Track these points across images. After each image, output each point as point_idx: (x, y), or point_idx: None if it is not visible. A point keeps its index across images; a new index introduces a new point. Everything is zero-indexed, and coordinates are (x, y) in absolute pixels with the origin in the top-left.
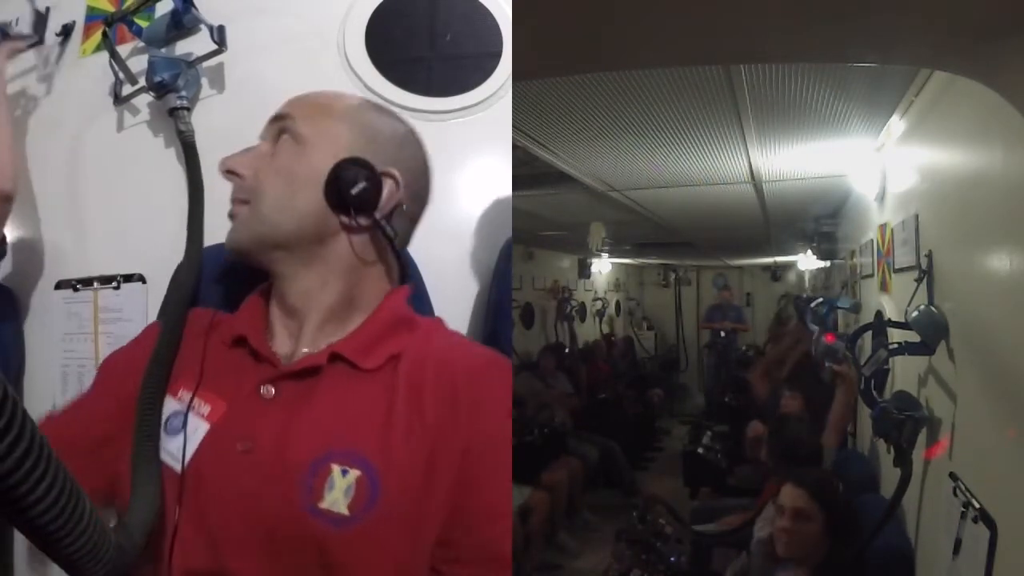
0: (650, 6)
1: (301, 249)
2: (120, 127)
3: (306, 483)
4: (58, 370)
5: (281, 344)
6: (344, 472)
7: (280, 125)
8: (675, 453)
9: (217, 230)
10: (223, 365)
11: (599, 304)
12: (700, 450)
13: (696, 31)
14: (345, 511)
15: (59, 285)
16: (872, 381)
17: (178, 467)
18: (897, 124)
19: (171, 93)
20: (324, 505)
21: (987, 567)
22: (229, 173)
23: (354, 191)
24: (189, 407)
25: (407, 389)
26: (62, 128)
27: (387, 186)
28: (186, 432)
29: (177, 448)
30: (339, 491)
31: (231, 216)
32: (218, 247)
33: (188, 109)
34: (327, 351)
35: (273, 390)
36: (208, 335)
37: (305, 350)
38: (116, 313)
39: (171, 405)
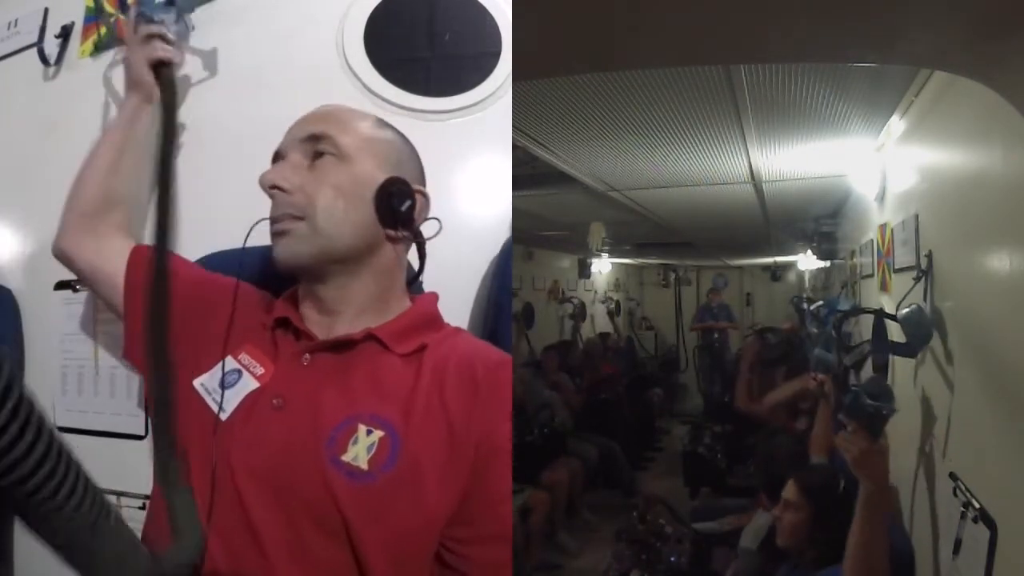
0: (650, 6)
1: (353, 260)
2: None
3: (331, 437)
4: (58, 370)
5: (316, 329)
6: (369, 431)
7: (318, 146)
8: (675, 453)
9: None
10: (270, 341)
11: (611, 303)
12: (700, 450)
13: (696, 31)
14: (365, 466)
15: (59, 285)
16: (852, 369)
17: (223, 416)
18: (897, 124)
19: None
20: (346, 457)
21: (987, 567)
22: (274, 188)
23: (403, 207)
24: (247, 367)
25: (431, 375)
26: (61, 128)
27: (419, 202)
28: (236, 387)
29: (227, 400)
30: (362, 446)
31: (282, 232)
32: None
33: (170, 42)
34: (364, 331)
35: (310, 358)
36: (264, 311)
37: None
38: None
39: (231, 363)
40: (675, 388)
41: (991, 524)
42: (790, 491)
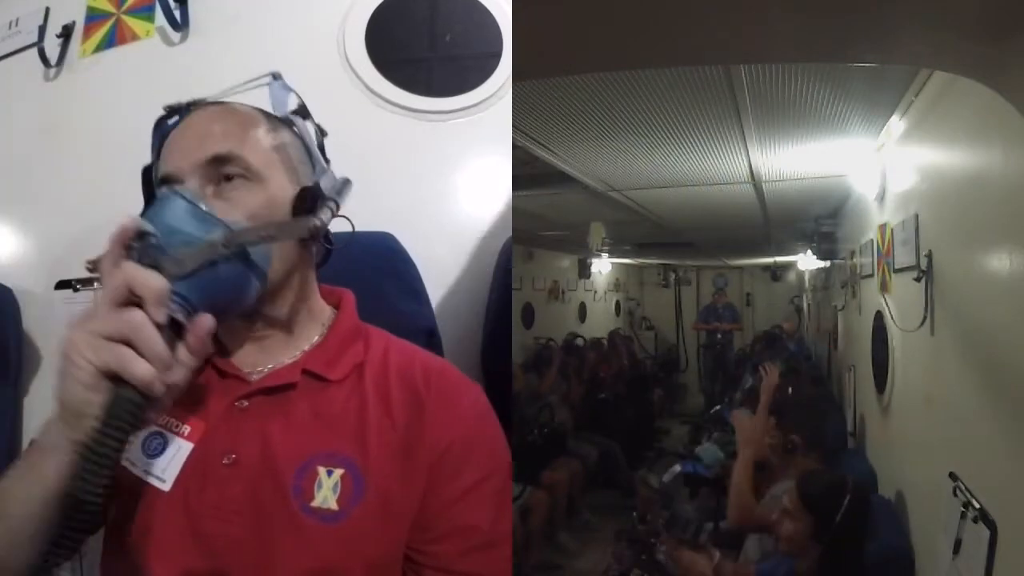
0: (650, 6)
1: (278, 286)
2: (121, 127)
3: (295, 486)
4: (58, 370)
5: (242, 362)
6: (329, 472)
7: (225, 168)
8: (675, 453)
9: None
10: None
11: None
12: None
13: (696, 31)
14: (335, 506)
15: (59, 285)
16: None
17: (166, 487)
18: (897, 124)
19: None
20: (315, 503)
21: (987, 567)
22: None
23: (321, 218)
24: (167, 428)
25: (376, 396)
26: (62, 128)
27: (328, 208)
28: (166, 452)
29: (162, 469)
30: (327, 489)
31: None
32: None
33: None
34: (299, 368)
35: (247, 403)
36: None
37: (270, 365)
38: None
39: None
40: (675, 388)
41: (991, 524)
42: (789, 499)
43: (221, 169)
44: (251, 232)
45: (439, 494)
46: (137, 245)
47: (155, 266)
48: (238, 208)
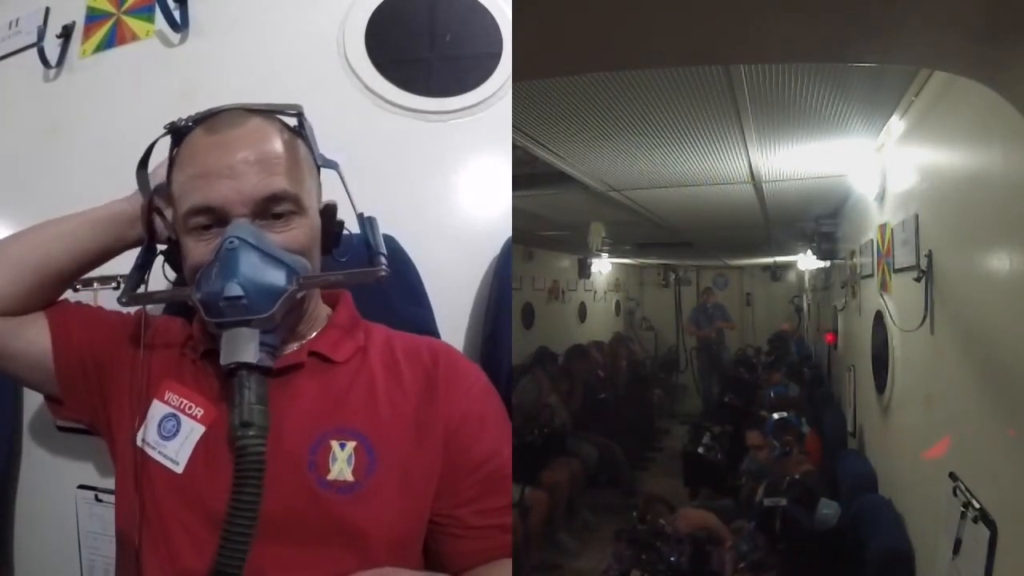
0: (650, 6)
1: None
2: (121, 127)
3: (310, 462)
4: None
5: None
6: (342, 445)
7: (279, 207)
8: (675, 453)
9: None
10: (199, 373)
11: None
12: (700, 450)
13: (696, 31)
14: (351, 477)
15: None
16: None
17: (178, 469)
18: (897, 124)
19: None
20: (332, 476)
21: (987, 567)
22: None
23: (337, 229)
24: (181, 410)
25: (385, 373)
26: (62, 128)
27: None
28: (179, 435)
29: (175, 451)
30: (342, 462)
31: None
32: None
33: None
34: (305, 349)
35: None
36: (183, 346)
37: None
38: None
39: (160, 408)
40: (675, 388)
41: (991, 524)
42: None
43: (275, 207)
44: (321, 279)
45: (459, 465)
46: (225, 305)
47: (246, 323)
48: (290, 243)
